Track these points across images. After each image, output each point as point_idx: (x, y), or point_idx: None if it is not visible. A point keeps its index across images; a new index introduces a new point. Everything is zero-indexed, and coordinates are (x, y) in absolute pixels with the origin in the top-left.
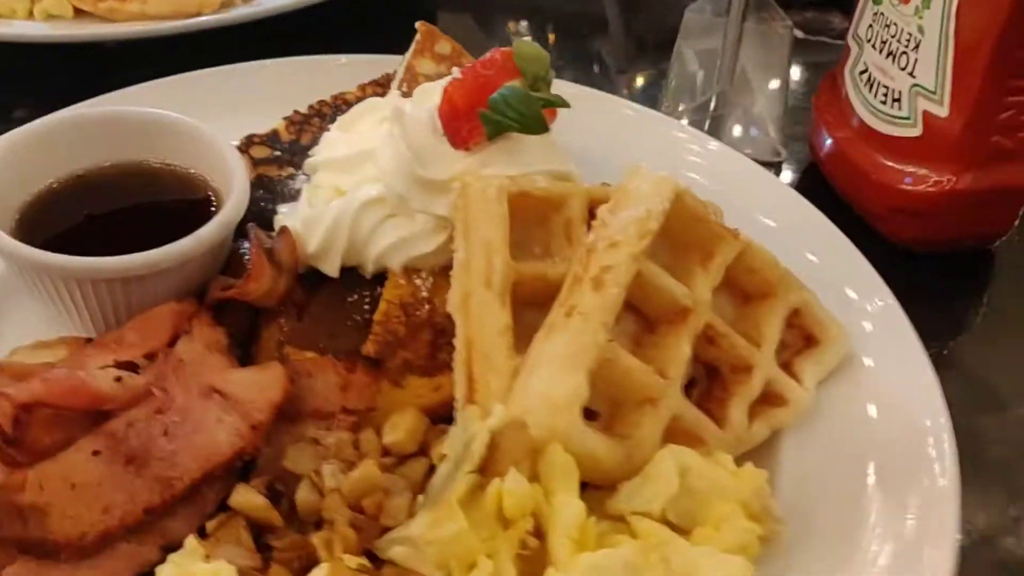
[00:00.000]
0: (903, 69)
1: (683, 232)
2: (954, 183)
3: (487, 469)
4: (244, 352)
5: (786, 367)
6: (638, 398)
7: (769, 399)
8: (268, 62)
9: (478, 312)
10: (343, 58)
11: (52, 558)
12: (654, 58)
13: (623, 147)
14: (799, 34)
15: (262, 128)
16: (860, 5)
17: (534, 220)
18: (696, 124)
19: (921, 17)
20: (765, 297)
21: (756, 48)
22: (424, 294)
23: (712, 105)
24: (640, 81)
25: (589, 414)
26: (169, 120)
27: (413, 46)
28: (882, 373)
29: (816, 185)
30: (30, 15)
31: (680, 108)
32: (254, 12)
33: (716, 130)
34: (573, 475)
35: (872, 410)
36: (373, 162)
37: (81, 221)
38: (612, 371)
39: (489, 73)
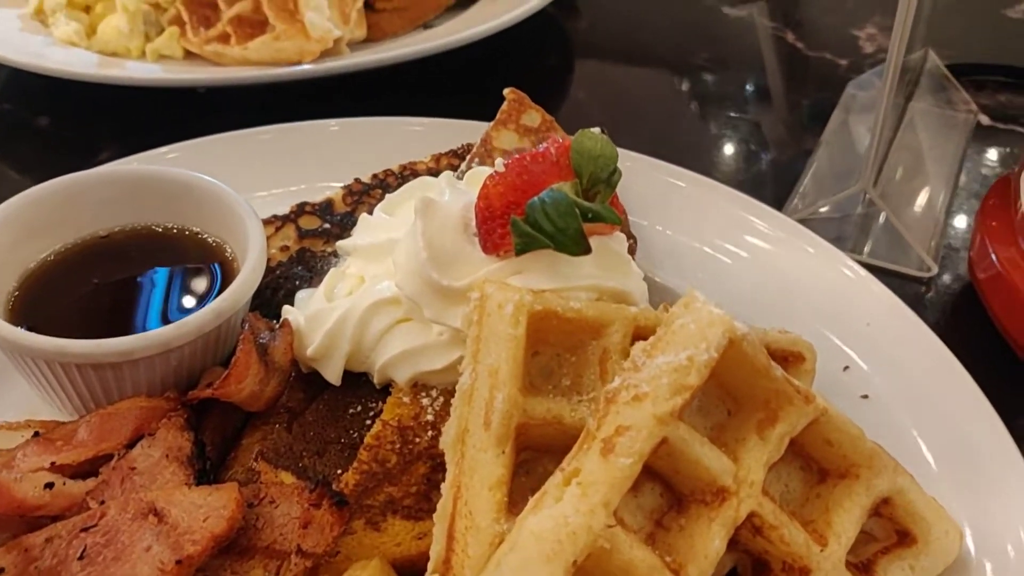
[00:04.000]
0: None
1: (740, 386)
2: None
3: None
4: (223, 460)
5: (866, 567)
6: None
7: None
8: (335, 121)
9: (472, 456)
10: (422, 121)
11: None
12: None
13: (719, 244)
14: (985, 120)
15: (321, 195)
16: None
17: (567, 346)
18: (822, 222)
19: None
20: (844, 477)
21: (928, 135)
22: (429, 417)
23: (855, 204)
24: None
25: None
26: (195, 183)
27: (498, 115)
28: None
29: (969, 311)
30: (142, 54)
31: (805, 205)
32: (355, 63)
33: (846, 231)
34: None
35: None
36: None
37: (86, 290)
38: (608, 565)
39: (538, 169)
